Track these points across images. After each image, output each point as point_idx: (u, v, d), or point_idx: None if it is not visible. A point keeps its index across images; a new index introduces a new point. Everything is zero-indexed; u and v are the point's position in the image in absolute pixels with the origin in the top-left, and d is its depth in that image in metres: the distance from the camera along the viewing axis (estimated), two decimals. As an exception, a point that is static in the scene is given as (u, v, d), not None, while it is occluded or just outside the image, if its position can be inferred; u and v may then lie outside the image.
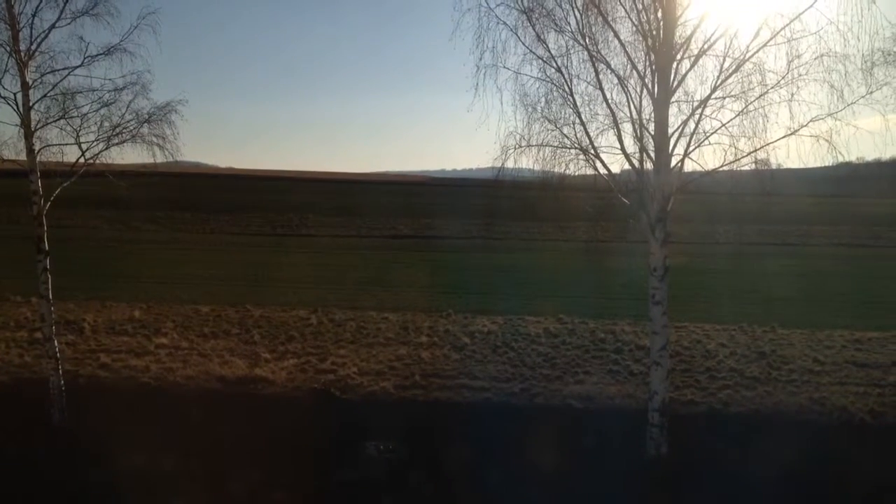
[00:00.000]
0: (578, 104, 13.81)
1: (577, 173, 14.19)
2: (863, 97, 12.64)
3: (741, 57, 13.02)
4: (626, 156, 13.74)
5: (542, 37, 13.71)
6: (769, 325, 23.16)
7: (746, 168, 13.46)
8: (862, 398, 16.53)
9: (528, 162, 14.25)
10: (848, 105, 12.60)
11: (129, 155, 15.89)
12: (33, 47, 14.64)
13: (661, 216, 13.39)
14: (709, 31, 13.04)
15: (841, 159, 12.91)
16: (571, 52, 13.72)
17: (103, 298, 25.99)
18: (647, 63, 13.34)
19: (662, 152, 13.39)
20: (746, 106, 13.20)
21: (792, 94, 12.90)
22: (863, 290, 31.34)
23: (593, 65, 13.56)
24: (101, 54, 14.98)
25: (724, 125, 13.40)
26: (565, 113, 13.93)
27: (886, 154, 14.11)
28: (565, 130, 13.89)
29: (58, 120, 15.17)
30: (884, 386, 17.42)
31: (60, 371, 15.46)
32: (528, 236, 52.70)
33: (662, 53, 13.11)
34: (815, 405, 16.19)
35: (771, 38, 12.76)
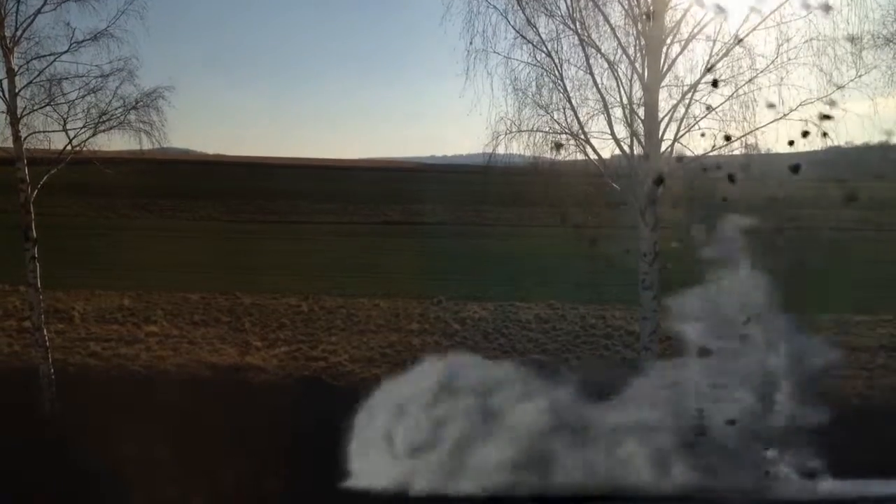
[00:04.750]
0: (569, 89, 13.83)
1: (567, 159, 14.20)
2: (852, 80, 12.68)
3: (731, 41, 13.03)
4: (617, 141, 13.75)
5: (532, 21, 13.69)
6: (758, 309, 23.24)
7: (736, 152, 13.51)
8: (850, 381, 16.66)
9: (518, 147, 14.26)
10: (837, 88, 12.64)
11: (116, 142, 15.82)
12: (18, 33, 14.52)
13: (650, 201, 13.41)
14: (699, 15, 13.05)
15: (830, 143, 12.95)
16: (562, 36, 13.72)
17: (92, 286, 25.84)
18: (638, 47, 13.33)
19: (652, 137, 13.40)
20: (736, 90, 13.23)
21: (781, 78, 12.93)
22: (851, 274, 31.47)
23: (583, 49, 13.55)
24: (87, 40, 14.88)
25: (713, 109, 13.42)
26: (556, 98, 13.94)
27: (875, 138, 14.16)
28: (556, 116, 13.92)
29: (44, 107, 15.07)
30: (872, 369, 17.57)
31: (50, 360, 15.40)
32: (518, 222, 52.63)
33: (652, 37, 13.09)
34: (804, 388, 16.30)
35: (761, 22, 12.78)
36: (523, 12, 13.62)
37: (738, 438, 10.48)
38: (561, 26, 13.66)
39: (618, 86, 13.61)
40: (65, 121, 15.24)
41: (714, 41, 13.14)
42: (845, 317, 22.30)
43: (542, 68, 13.85)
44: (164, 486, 12.22)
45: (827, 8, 11.86)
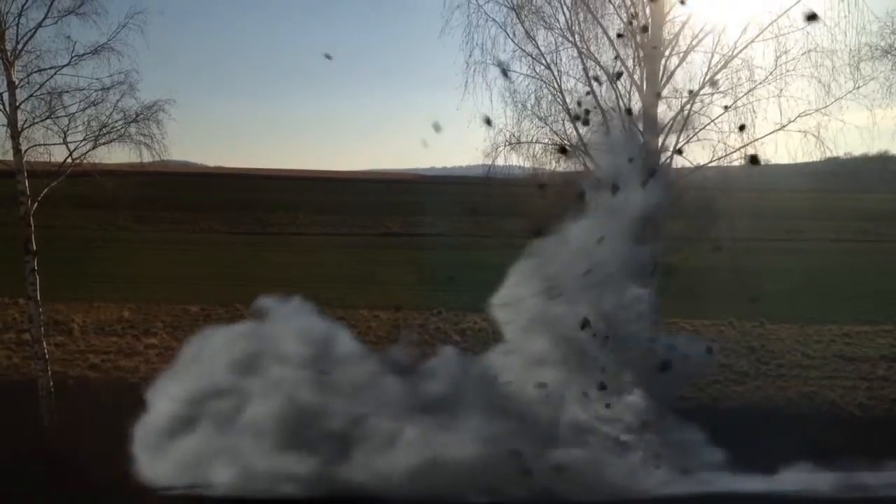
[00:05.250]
0: (568, 101, 13.87)
1: (566, 170, 14.24)
2: (850, 92, 12.75)
3: (729, 53, 13.12)
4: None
5: (531, 34, 13.78)
6: (758, 320, 23.22)
7: (736, 164, 13.56)
8: (851, 392, 16.64)
9: (518, 159, 14.31)
10: (836, 100, 12.72)
11: (116, 155, 15.84)
12: (19, 46, 14.57)
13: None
14: (697, 28, 13.14)
15: (829, 154, 13.01)
16: (560, 48, 13.82)
17: (91, 299, 25.81)
18: (636, 59, 13.39)
19: (651, 148, 13.43)
20: (735, 101, 13.29)
21: (780, 90, 13.01)
22: (851, 285, 31.46)
23: (582, 62, 13.63)
24: (88, 53, 14.93)
25: (713, 121, 13.48)
26: (555, 110, 13.99)
27: (874, 149, 14.22)
28: (555, 127, 13.95)
29: (45, 119, 15.10)
30: (872, 380, 17.52)
31: (49, 372, 15.36)
32: (518, 233, 52.53)
33: (651, 50, 13.15)
34: (805, 399, 16.29)
35: (759, 34, 12.87)
36: (522, 25, 13.72)
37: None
38: (560, 39, 13.76)
39: (616, 98, 13.67)
40: (65, 134, 15.28)
41: (713, 53, 13.24)
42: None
43: (542, 80, 13.95)
44: (158, 498, 12.17)
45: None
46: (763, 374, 17.85)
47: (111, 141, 15.47)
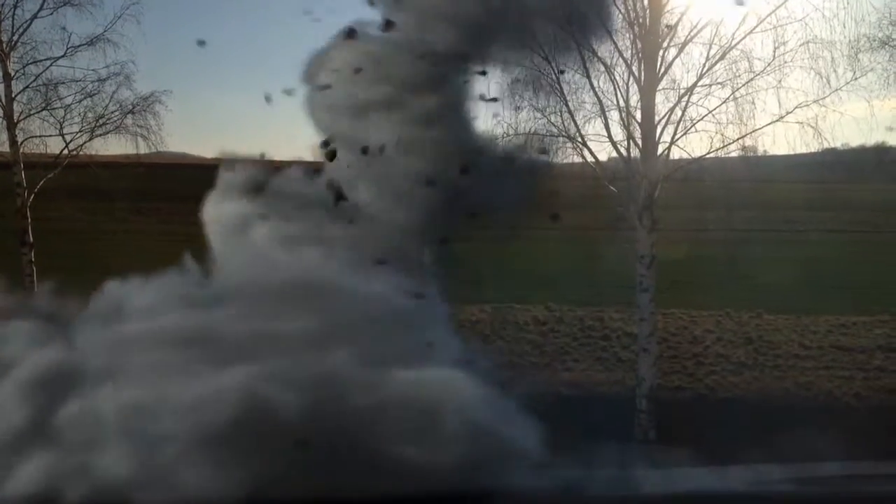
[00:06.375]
0: (565, 92, 13.80)
1: (564, 161, 14.22)
2: (848, 83, 12.73)
3: (728, 44, 13.09)
4: (614, 143, 13.78)
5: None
6: (755, 310, 23.21)
7: (734, 155, 13.56)
8: (847, 382, 16.68)
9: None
10: (834, 91, 12.70)
11: (113, 146, 15.85)
12: (15, 38, 14.55)
13: (647, 204, 13.43)
14: (695, 19, 13.10)
15: (826, 145, 13.01)
16: (559, 39, 13.69)
17: (90, 291, 25.72)
18: (634, 51, 13.36)
19: (649, 140, 13.43)
20: (733, 93, 13.27)
21: (779, 81, 12.98)
22: (848, 276, 31.45)
23: (580, 53, 13.54)
24: (83, 44, 14.93)
25: (710, 112, 13.45)
26: (552, 101, 13.93)
27: (871, 139, 14.26)
28: (553, 118, 13.90)
29: (41, 111, 15.11)
30: (869, 370, 17.56)
31: (47, 365, 15.35)
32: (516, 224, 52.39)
33: (649, 41, 13.12)
34: (801, 390, 16.34)
35: (757, 25, 12.84)
36: (520, 16, 13.61)
37: None
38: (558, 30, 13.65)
39: (615, 89, 13.64)
40: (61, 125, 15.28)
41: (711, 45, 13.21)
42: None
43: (539, 71, 13.84)
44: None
45: None
46: (760, 365, 17.87)
47: (108, 132, 15.49)
